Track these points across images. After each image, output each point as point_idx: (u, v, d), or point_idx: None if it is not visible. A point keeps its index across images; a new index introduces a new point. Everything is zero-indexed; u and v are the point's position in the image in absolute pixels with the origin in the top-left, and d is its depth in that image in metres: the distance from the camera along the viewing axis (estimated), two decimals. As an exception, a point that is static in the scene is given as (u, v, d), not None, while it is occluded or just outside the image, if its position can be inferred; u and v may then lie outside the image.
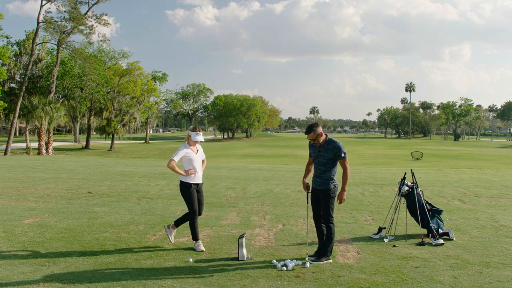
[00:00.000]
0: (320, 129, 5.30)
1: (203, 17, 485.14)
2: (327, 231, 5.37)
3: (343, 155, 5.26)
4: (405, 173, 6.97)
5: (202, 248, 5.72)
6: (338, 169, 5.43)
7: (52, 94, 36.76)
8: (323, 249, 5.32)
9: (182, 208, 8.80)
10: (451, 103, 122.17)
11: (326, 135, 5.38)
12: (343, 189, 5.33)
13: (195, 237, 5.81)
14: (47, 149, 36.25)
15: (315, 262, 5.19)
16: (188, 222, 5.86)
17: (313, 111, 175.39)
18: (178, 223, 5.92)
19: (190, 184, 5.74)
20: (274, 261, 5.18)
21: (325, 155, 5.30)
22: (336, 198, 5.37)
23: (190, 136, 5.86)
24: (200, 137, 5.85)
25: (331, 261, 5.27)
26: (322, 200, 5.36)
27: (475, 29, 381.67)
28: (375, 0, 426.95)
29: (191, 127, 5.97)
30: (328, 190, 5.30)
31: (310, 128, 5.29)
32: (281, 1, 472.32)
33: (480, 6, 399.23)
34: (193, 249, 5.72)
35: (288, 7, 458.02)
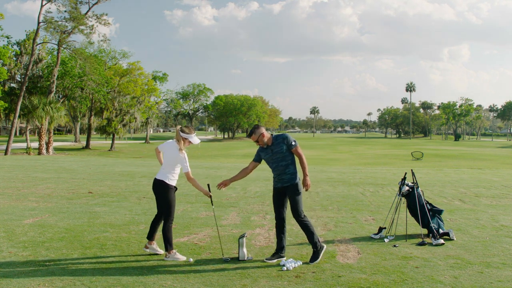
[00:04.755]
0: (261, 130, 5.31)
1: (201, 17, 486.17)
2: (304, 228, 5.32)
3: (293, 143, 5.24)
4: (406, 173, 6.97)
5: (183, 257, 5.30)
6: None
7: (52, 94, 36.79)
8: (312, 246, 5.30)
9: (182, 208, 8.80)
10: (451, 103, 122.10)
11: (271, 134, 5.40)
12: (305, 175, 5.25)
13: (170, 246, 5.28)
14: (47, 149, 36.27)
15: (315, 262, 5.19)
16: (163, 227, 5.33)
17: (313, 111, 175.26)
18: (169, 244, 5.32)
19: (175, 187, 5.41)
20: (283, 261, 5.17)
21: (280, 150, 5.27)
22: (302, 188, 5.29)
23: (184, 138, 5.36)
24: (197, 139, 5.50)
25: (325, 247, 5.35)
26: (291, 197, 5.28)
27: (473, 29, 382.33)
28: (372, 0, 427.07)
29: (183, 126, 5.46)
30: (296, 184, 5.27)
31: (251, 130, 5.33)
32: (279, 1, 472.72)
33: (477, 6, 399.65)
34: (193, 248, 5.66)
35: (286, 7, 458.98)
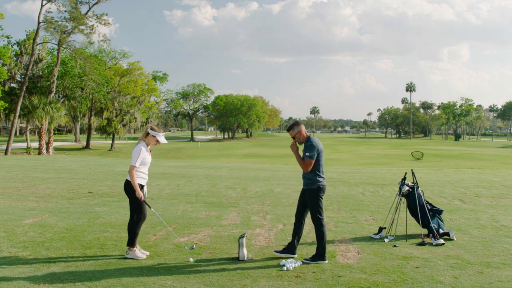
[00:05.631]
0: (300, 128, 5.36)
1: (201, 17, 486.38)
2: (316, 232, 5.34)
3: (307, 154, 5.22)
4: (406, 173, 6.97)
5: (142, 255, 5.31)
6: (332, 170, 5.41)
7: (52, 94, 36.79)
8: (317, 250, 5.30)
9: (182, 208, 8.80)
10: (451, 103, 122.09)
11: (309, 135, 5.41)
12: (297, 153, 5.32)
13: (132, 243, 5.27)
14: (47, 149, 36.26)
15: (308, 261, 5.22)
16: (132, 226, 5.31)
17: (314, 111, 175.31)
18: (132, 241, 5.31)
19: (142, 185, 5.34)
20: (283, 261, 5.18)
21: (303, 155, 5.31)
22: (320, 198, 5.27)
23: (152, 135, 5.35)
24: (164, 139, 5.47)
25: (325, 262, 5.23)
26: (308, 201, 5.35)
27: (472, 29, 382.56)
28: (371, 0, 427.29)
29: (154, 125, 5.40)
30: (312, 190, 5.29)
31: (291, 126, 5.41)
32: (278, 1, 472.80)
33: (476, 6, 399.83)
34: (192, 248, 5.61)
35: (286, 7, 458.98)
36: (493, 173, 19.05)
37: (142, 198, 5.33)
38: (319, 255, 5.25)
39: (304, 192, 5.40)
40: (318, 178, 5.28)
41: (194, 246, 5.59)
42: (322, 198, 5.32)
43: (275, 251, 5.51)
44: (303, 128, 5.39)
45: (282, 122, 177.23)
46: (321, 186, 5.28)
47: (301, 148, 5.44)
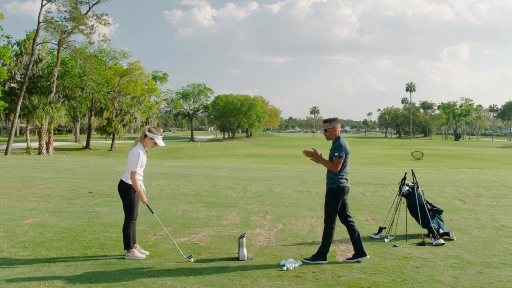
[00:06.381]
0: (336, 125, 5.35)
1: (200, 18, 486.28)
2: (324, 231, 5.31)
3: (336, 154, 5.20)
4: (406, 173, 6.97)
5: (142, 255, 5.31)
6: (354, 171, 5.40)
7: (52, 94, 36.78)
8: (319, 249, 5.28)
9: (182, 208, 8.80)
10: (451, 103, 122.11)
11: (339, 135, 5.37)
12: (321, 157, 5.23)
13: (128, 245, 5.27)
14: (47, 149, 36.26)
15: (308, 260, 5.20)
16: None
17: (314, 111, 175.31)
18: (127, 243, 5.31)
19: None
20: (283, 261, 5.17)
21: (330, 153, 5.30)
22: (337, 199, 5.23)
23: (150, 138, 5.31)
24: (162, 141, 5.43)
25: (325, 262, 5.20)
26: (325, 200, 5.34)
27: (472, 29, 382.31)
28: (371, 0, 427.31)
29: (152, 127, 5.39)
30: (332, 189, 5.26)
31: (329, 119, 5.38)
32: (278, 1, 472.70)
33: (476, 6, 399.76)
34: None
35: (286, 7, 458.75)
36: (493, 173, 19.05)
37: (146, 203, 5.34)
38: (320, 254, 5.22)
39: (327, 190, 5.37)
40: (340, 179, 5.25)
41: (192, 258, 5.29)
42: (340, 200, 5.25)
43: (346, 259, 5.31)
44: (339, 126, 5.39)
45: (282, 122, 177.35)
46: (341, 186, 5.24)
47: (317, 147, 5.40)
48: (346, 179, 5.30)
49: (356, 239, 5.32)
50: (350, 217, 5.43)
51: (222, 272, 4.83)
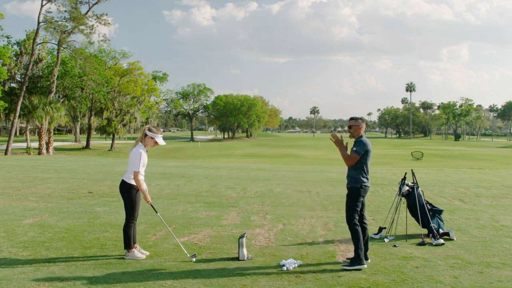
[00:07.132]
0: (361, 124, 5.37)
1: (200, 18, 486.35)
2: (351, 235, 5.19)
3: (354, 148, 5.21)
4: (406, 173, 6.97)
5: (142, 255, 5.32)
6: (373, 171, 5.38)
7: (52, 94, 36.76)
8: (354, 253, 5.11)
9: (182, 208, 8.80)
10: (451, 103, 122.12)
11: (363, 134, 5.37)
12: (343, 146, 5.29)
13: (129, 245, 5.28)
14: (47, 149, 36.24)
15: (345, 267, 5.01)
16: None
17: (314, 111, 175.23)
18: (128, 243, 5.31)
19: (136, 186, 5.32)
20: (283, 261, 5.15)
21: (352, 150, 5.29)
22: (359, 198, 5.23)
23: (150, 137, 5.32)
24: (163, 140, 5.42)
25: (365, 266, 4.99)
26: (347, 199, 5.30)
27: (472, 29, 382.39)
28: (370, 0, 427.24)
29: (152, 126, 5.40)
30: (354, 188, 5.24)
31: (356, 117, 5.41)
32: (278, 1, 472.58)
33: (475, 6, 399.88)
34: (193, 248, 5.63)
35: (285, 8, 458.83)
36: (493, 173, 19.05)
37: (150, 202, 5.36)
38: (357, 259, 5.02)
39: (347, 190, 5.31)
40: (363, 178, 5.27)
41: (195, 257, 5.33)
42: (361, 200, 5.25)
43: (343, 266, 5.15)
44: (364, 126, 5.41)
45: (282, 122, 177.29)
46: (364, 186, 5.26)
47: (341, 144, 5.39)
48: (367, 178, 5.34)
49: (364, 243, 5.26)
50: (365, 218, 5.43)
51: (222, 272, 4.83)
